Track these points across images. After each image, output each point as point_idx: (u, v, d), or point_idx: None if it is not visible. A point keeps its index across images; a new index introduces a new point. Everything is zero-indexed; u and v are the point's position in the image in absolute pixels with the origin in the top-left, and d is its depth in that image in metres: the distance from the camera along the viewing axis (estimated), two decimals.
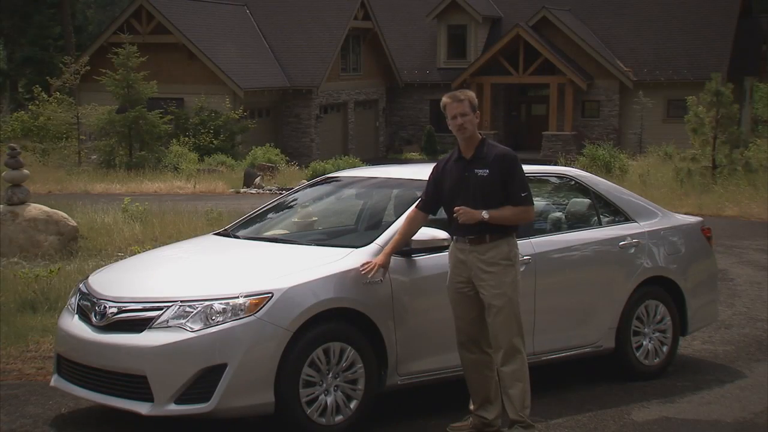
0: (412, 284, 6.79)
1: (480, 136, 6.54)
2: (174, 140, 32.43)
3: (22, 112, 37.09)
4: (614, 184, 8.63)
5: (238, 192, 25.71)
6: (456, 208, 6.40)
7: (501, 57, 41.37)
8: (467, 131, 6.47)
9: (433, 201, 6.68)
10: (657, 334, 8.11)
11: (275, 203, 8.29)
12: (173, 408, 6.15)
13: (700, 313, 8.53)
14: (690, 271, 8.41)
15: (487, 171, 6.38)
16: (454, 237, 6.56)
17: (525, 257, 7.19)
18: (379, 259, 6.60)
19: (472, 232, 6.41)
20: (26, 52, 52.02)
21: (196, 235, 11.18)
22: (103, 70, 31.22)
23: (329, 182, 8.40)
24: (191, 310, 6.23)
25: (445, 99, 6.59)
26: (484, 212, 6.32)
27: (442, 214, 6.81)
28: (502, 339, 6.39)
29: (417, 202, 6.79)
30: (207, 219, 16.11)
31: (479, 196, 6.38)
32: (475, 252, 6.42)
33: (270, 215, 8.12)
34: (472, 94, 6.61)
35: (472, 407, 6.64)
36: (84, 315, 6.70)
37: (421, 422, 6.88)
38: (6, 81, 55.45)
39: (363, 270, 6.53)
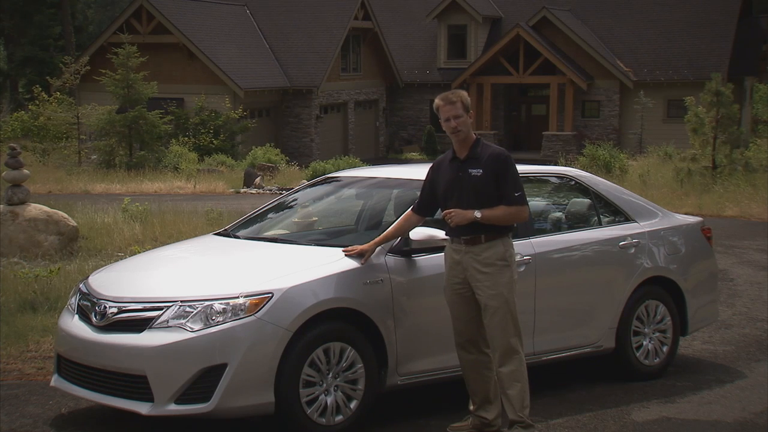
0: (411, 284, 6.79)
1: (474, 137, 6.53)
2: (174, 140, 32.43)
3: (22, 112, 37.08)
4: (614, 184, 8.63)
5: (238, 192, 25.71)
6: (445, 212, 6.41)
7: (501, 57, 41.37)
8: (461, 133, 6.47)
9: (428, 203, 6.70)
10: (657, 334, 8.10)
11: (275, 203, 8.29)
12: (173, 408, 6.15)
13: (701, 313, 8.53)
14: (690, 271, 8.41)
15: (481, 171, 6.38)
16: (450, 238, 6.57)
17: (525, 257, 7.19)
18: (366, 246, 6.66)
19: (467, 233, 6.41)
20: (26, 52, 52.03)
21: (196, 235, 11.20)
22: (103, 70, 31.22)
23: (329, 182, 8.39)
24: (191, 310, 6.23)
25: (437, 101, 6.58)
26: (476, 212, 6.32)
27: (440, 214, 6.82)
28: (500, 339, 6.39)
29: (413, 204, 6.80)
30: (207, 219, 16.11)
31: (473, 196, 6.38)
32: (470, 253, 6.42)
33: (270, 215, 8.12)
34: (464, 94, 6.57)
35: (471, 407, 6.64)
36: (84, 315, 6.70)
37: (421, 422, 6.88)
38: (6, 81, 55.49)
39: (345, 252, 6.65)
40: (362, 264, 6.63)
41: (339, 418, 6.41)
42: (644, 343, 8.03)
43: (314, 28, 40.30)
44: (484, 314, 6.41)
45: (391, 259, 6.75)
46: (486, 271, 6.37)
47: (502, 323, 6.36)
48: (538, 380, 7.19)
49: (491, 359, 6.52)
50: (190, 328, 6.17)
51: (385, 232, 6.80)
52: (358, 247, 6.68)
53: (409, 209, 6.81)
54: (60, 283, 10.69)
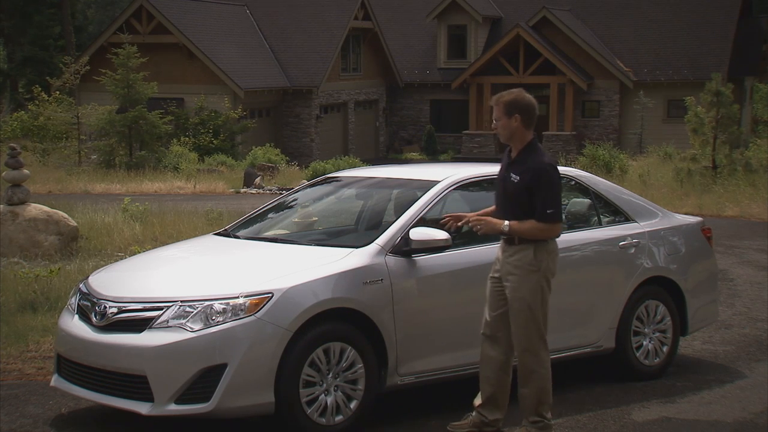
0: (412, 284, 6.79)
1: (528, 139, 6.42)
2: (174, 140, 32.43)
3: (22, 112, 37.07)
4: (614, 184, 8.62)
5: (238, 192, 25.71)
6: (475, 219, 6.41)
7: (501, 57, 41.37)
8: (502, 136, 6.48)
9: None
10: (657, 334, 8.10)
11: (275, 203, 8.29)
12: (173, 408, 6.15)
13: (701, 313, 8.53)
14: (690, 271, 8.40)
15: (518, 178, 6.35)
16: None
17: None
18: (472, 214, 6.55)
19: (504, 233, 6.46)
20: (26, 52, 52.01)
21: (196, 235, 11.20)
22: (103, 71, 31.22)
23: (329, 182, 8.40)
24: (191, 310, 6.24)
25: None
26: (505, 224, 6.33)
27: (441, 215, 6.86)
28: (520, 339, 6.43)
29: None
30: (207, 219, 16.11)
31: (508, 201, 6.42)
32: (507, 252, 6.46)
33: (270, 215, 8.12)
34: (514, 97, 6.41)
35: (477, 402, 6.63)
36: (84, 315, 6.70)
37: (421, 422, 6.89)
38: (6, 81, 55.43)
39: (444, 221, 6.59)
40: (458, 225, 6.55)
41: (339, 418, 6.41)
42: (644, 343, 8.03)
43: (314, 28, 40.30)
44: (509, 312, 6.45)
45: (391, 259, 6.75)
46: (515, 273, 6.40)
47: (523, 325, 6.39)
48: None
49: (510, 364, 6.55)
50: (190, 328, 6.18)
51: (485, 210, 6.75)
52: (461, 214, 6.60)
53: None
54: (60, 283, 10.69)
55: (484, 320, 6.60)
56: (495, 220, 6.36)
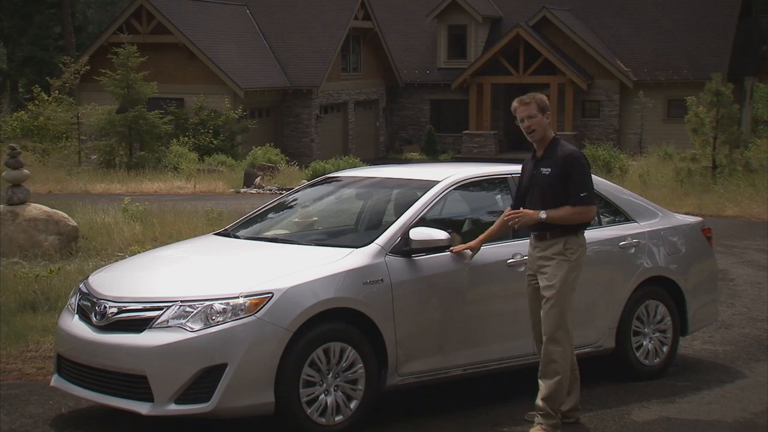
0: (412, 284, 6.80)
1: (552, 136, 6.72)
2: (174, 140, 32.42)
3: (22, 112, 37.04)
4: (614, 184, 8.63)
5: (239, 192, 25.71)
6: (511, 213, 6.66)
7: (501, 57, 41.36)
8: (536, 133, 6.68)
9: (519, 199, 6.89)
10: (657, 334, 8.11)
11: (275, 203, 8.29)
12: (173, 408, 6.15)
13: (701, 313, 8.53)
14: (690, 271, 8.41)
15: (550, 170, 6.59)
16: (531, 232, 6.79)
17: (525, 257, 7.19)
18: (472, 243, 6.93)
19: (536, 228, 6.67)
20: (26, 52, 52.01)
21: (196, 235, 11.20)
22: (103, 70, 31.20)
23: (329, 182, 8.40)
24: (191, 310, 6.24)
25: (514, 103, 6.82)
26: (542, 213, 6.53)
27: (441, 215, 6.85)
28: (547, 329, 6.56)
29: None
30: (207, 219, 16.10)
31: (540, 194, 6.60)
32: (538, 247, 6.67)
33: (270, 215, 8.13)
34: (541, 96, 6.77)
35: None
36: (84, 315, 6.70)
37: (421, 422, 6.89)
38: (6, 81, 55.43)
39: (454, 250, 6.87)
40: (469, 260, 6.90)
41: (339, 418, 6.41)
42: (644, 343, 8.03)
43: (314, 28, 40.29)
44: (542, 302, 6.60)
45: (391, 259, 6.76)
46: (547, 264, 6.60)
47: (551, 314, 6.54)
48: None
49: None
50: (190, 328, 6.18)
51: (488, 230, 7.00)
52: (464, 245, 6.92)
53: (509, 207, 7.03)
54: (60, 283, 10.69)
55: (532, 321, 6.84)
56: (531, 212, 6.58)
